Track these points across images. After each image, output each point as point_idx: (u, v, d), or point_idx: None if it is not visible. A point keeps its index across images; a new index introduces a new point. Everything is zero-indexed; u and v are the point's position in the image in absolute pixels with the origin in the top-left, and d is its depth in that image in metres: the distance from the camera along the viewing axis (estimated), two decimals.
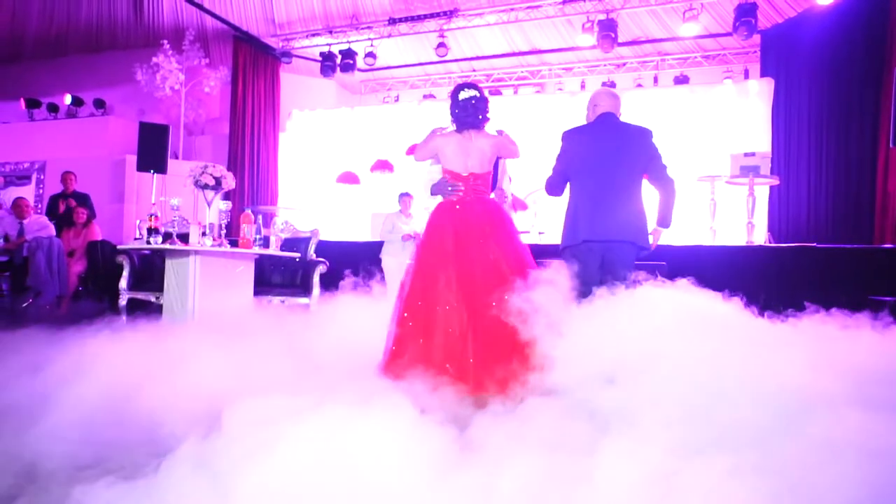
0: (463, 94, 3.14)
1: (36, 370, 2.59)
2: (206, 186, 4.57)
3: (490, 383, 2.68)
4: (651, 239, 3.23)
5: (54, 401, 2.24)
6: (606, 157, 3.15)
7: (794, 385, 1.87)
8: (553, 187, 3.35)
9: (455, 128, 3.18)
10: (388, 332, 3.05)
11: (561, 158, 3.28)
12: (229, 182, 4.68)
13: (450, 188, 3.13)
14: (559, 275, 2.73)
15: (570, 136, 3.28)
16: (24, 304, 6.08)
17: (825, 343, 2.27)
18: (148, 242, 4.37)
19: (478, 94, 3.14)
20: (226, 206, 4.67)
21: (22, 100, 10.67)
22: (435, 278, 2.97)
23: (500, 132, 3.28)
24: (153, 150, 8.31)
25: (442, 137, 3.16)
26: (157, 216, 4.49)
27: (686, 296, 2.40)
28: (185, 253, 4.30)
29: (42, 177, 10.08)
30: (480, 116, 3.15)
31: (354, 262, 5.33)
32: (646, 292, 2.43)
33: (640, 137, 3.20)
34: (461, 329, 2.86)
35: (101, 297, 6.22)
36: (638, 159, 3.17)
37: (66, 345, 2.89)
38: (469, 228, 3.05)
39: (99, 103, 10.62)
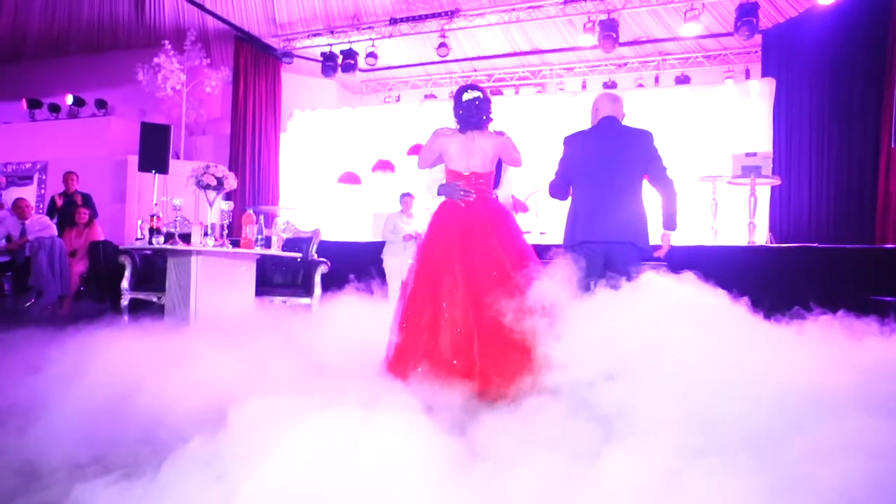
0: (466, 96, 3.17)
1: (37, 369, 2.60)
2: (207, 186, 4.58)
3: (495, 381, 2.69)
4: (661, 242, 3.26)
5: (55, 400, 2.24)
6: (606, 159, 3.20)
7: (796, 384, 1.87)
8: (556, 191, 3.43)
9: (458, 128, 3.19)
10: (391, 332, 3.06)
11: (563, 163, 3.37)
12: (231, 182, 4.68)
13: (461, 193, 3.13)
14: (562, 273, 2.74)
15: (571, 141, 3.36)
16: (27, 305, 6.10)
17: (827, 343, 2.27)
18: (150, 242, 4.38)
19: (481, 96, 3.17)
20: (227, 206, 4.68)
21: (23, 100, 10.68)
22: (439, 277, 2.98)
23: (500, 133, 3.28)
24: (155, 150, 8.32)
25: (445, 137, 3.17)
26: (158, 216, 4.50)
27: (687, 290, 2.39)
28: (187, 253, 4.30)
29: (44, 177, 10.09)
30: (484, 117, 3.18)
31: (356, 263, 5.35)
32: (647, 287, 2.43)
33: (640, 139, 3.23)
34: (466, 327, 2.87)
35: (103, 298, 6.23)
36: (637, 161, 3.21)
37: (68, 344, 2.89)
38: (472, 227, 3.06)
39: (100, 103, 10.62)
